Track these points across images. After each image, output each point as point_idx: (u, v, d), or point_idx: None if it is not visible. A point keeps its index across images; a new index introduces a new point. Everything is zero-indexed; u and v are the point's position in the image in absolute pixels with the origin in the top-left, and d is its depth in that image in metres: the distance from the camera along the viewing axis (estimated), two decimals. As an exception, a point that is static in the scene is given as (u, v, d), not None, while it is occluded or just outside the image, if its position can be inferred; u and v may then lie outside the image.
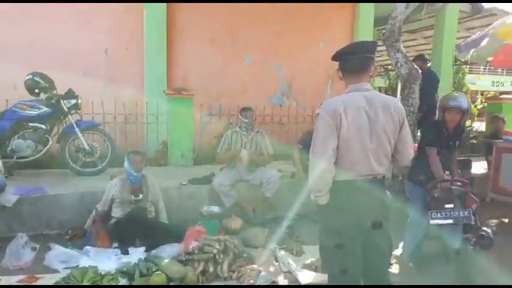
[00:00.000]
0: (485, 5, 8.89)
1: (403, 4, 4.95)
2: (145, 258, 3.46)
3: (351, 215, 2.17)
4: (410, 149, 2.33)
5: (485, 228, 3.21)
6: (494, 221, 4.56)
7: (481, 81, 23.86)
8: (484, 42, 4.48)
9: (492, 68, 24.85)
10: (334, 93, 7.64)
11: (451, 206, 3.05)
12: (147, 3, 6.32)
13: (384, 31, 5.23)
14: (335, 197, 2.18)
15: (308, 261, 3.58)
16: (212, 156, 5.52)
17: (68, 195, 4.26)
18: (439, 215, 3.04)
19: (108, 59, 6.38)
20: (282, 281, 3.29)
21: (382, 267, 2.38)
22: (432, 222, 3.05)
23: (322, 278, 3.24)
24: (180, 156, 6.04)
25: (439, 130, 3.42)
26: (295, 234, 4.31)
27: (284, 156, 5.92)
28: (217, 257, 3.37)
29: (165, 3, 6.44)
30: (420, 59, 6.40)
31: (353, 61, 2.22)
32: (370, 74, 2.25)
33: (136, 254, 3.54)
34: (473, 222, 3.03)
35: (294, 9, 7.28)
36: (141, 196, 3.99)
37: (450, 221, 3.01)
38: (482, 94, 14.61)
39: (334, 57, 2.32)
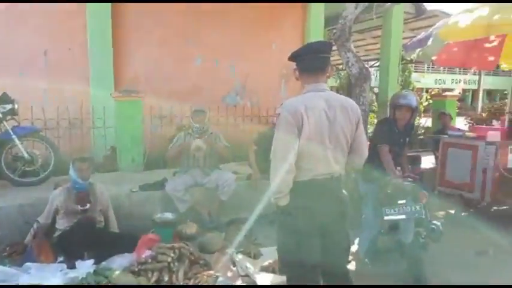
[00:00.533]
0: (428, 7, 9.31)
1: (353, 4, 5.03)
2: (94, 271, 3.22)
3: (311, 214, 2.18)
4: (365, 148, 2.40)
5: (435, 222, 3.31)
6: (442, 213, 4.75)
7: (425, 79, 25.23)
8: (429, 42, 4.64)
9: (435, 66, 26.34)
10: (288, 93, 7.68)
11: (404, 201, 3.12)
12: (90, 3, 6.00)
13: (334, 31, 5.30)
14: (295, 197, 2.18)
15: (266, 264, 3.53)
16: (165, 160, 5.34)
17: (5, 208, 3.92)
18: (392, 211, 3.09)
19: (48, 60, 5.99)
20: (240, 285, 3.21)
21: (341, 265, 2.40)
22: (386, 218, 3.10)
23: (280, 280, 3.20)
24: (130, 162, 5.78)
25: (390, 128, 3.49)
26: (252, 236, 4.24)
27: (240, 158, 5.85)
28: (171, 265, 3.25)
29: (109, 3, 6.14)
30: None
31: (310, 61, 2.23)
32: (327, 74, 2.27)
33: (85, 267, 3.29)
34: (424, 216, 3.11)
35: (245, 10, 7.22)
36: (88, 206, 3.75)
37: (403, 217, 3.08)
38: (427, 91, 15.35)
39: (291, 58, 2.32)
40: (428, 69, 26.80)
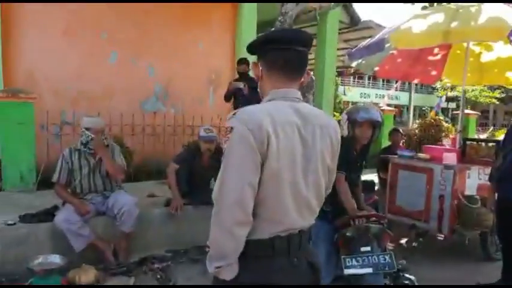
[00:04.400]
0: (362, 18, 9.17)
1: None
2: None
3: None
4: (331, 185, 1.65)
5: (408, 276, 2.63)
6: (392, 245, 4.15)
7: (351, 93, 25.87)
8: (382, 47, 4.10)
9: (360, 80, 27.26)
10: (216, 100, 6.84)
11: (368, 248, 2.39)
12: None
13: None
14: (247, 267, 1.34)
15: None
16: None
17: None
18: (355, 262, 2.33)
19: None
20: None
21: None
22: (347, 271, 2.34)
23: None
24: (18, 180, 4.59)
25: (348, 150, 2.73)
26: (171, 279, 3.36)
27: (158, 176, 4.91)
28: None
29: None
30: (244, 62, 5.39)
31: (287, 54, 1.43)
32: (302, 79, 1.49)
33: None
34: (395, 269, 2.41)
35: (168, 4, 6.25)
36: None
37: (370, 270, 2.33)
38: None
39: (256, 46, 1.50)
40: (354, 83, 27.63)
